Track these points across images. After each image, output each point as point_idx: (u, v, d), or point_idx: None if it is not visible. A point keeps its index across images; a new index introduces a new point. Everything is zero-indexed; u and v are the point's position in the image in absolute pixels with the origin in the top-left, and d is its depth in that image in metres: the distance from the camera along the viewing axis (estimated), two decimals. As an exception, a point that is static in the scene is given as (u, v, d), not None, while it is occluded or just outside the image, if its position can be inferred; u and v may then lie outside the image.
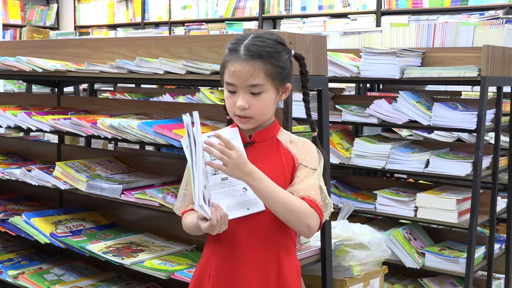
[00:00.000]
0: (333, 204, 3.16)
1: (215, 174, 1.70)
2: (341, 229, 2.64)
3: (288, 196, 1.67)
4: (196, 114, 1.61)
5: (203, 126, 2.41)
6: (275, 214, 1.68)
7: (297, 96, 2.56)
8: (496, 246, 3.35)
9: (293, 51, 1.79)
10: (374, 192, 3.48)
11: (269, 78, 1.68)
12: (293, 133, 1.88)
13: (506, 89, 3.52)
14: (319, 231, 2.37)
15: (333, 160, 3.51)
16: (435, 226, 3.57)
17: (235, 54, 1.68)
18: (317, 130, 1.87)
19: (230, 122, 1.86)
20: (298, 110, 2.29)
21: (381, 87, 4.42)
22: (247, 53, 1.66)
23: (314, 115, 2.37)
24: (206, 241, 1.81)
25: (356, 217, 3.58)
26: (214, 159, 1.65)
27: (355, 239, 2.61)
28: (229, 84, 1.69)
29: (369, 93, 4.37)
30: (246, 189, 1.69)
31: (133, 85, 4.90)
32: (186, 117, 1.59)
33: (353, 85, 4.55)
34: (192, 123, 1.59)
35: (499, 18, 5.03)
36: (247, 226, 1.72)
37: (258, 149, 1.75)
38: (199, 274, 1.82)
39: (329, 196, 1.78)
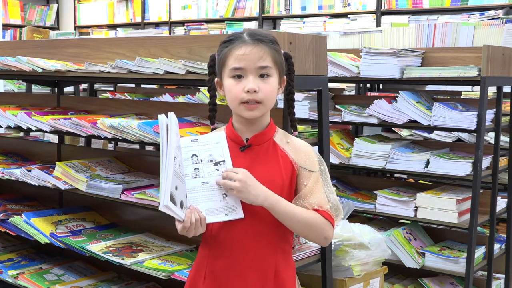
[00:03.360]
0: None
1: (195, 177, 1.69)
2: (341, 229, 2.64)
3: (304, 213, 1.69)
4: (172, 115, 1.62)
5: (203, 126, 2.41)
6: (291, 230, 1.72)
7: (297, 96, 2.57)
8: (496, 246, 3.35)
9: (282, 51, 1.78)
10: (374, 192, 3.47)
11: (274, 64, 1.69)
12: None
13: (506, 89, 3.52)
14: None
15: (333, 160, 3.51)
16: (435, 226, 3.57)
17: (239, 40, 1.68)
18: (297, 129, 1.87)
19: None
20: (298, 110, 2.29)
21: (381, 87, 4.42)
22: (253, 38, 1.68)
23: (314, 115, 2.38)
24: (201, 242, 1.80)
25: (356, 217, 3.58)
26: (198, 162, 1.67)
27: (355, 239, 2.61)
28: (237, 69, 1.67)
29: (369, 93, 4.37)
30: (226, 195, 1.69)
31: (133, 85, 4.91)
32: (161, 117, 1.60)
33: (353, 85, 4.55)
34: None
35: (499, 18, 5.03)
36: (244, 230, 1.71)
37: (255, 152, 1.74)
38: (194, 275, 1.81)
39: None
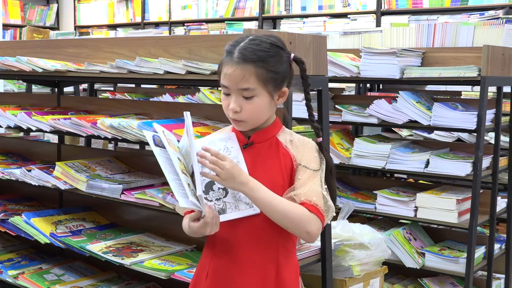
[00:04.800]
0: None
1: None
2: (341, 229, 2.64)
3: (286, 203, 1.66)
4: (188, 114, 1.66)
5: (203, 126, 2.41)
6: (274, 221, 1.68)
7: (297, 96, 2.56)
8: (496, 246, 3.35)
9: (292, 55, 1.74)
10: (374, 192, 3.47)
11: (260, 83, 1.66)
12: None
13: (506, 89, 3.52)
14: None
15: (333, 160, 3.49)
16: (435, 226, 3.57)
17: (229, 57, 1.68)
18: (321, 135, 1.81)
19: None
20: (298, 110, 2.29)
21: (381, 87, 4.42)
22: (240, 56, 1.65)
23: (314, 115, 2.38)
24: (206, 242, 1.81)
25: (356, 217, 3.58)
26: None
27: (355, 239, 2.61)
28: (224, 86, 1.70)
29: (369, 93, 4.37)
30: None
31: (133, 85, 4.91)
32: (186, 114, 1.66)
33: (353, 85, 4.55)
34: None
35: (499, 18, 5.03)
36: (245, 228, 1.72)
37: (257, 150, 1.74)
38: (198, 273, 1.82)
39: (335, 199, 1.76)
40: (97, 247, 2.56)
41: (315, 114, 1.88)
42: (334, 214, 1.76)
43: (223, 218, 1.70)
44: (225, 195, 1.71)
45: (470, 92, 4.52)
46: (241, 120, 1.70)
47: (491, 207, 3.28)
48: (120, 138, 2.44)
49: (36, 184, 2.76)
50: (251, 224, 1.71)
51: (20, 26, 7.57)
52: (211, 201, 1.69)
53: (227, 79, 1.67)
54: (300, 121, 3.28)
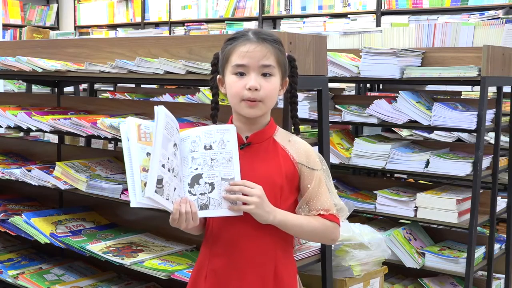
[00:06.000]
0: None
1: (196, 169, 1.69)
2: (341, 229, 2.63)
3: (311, 223, 1.73)
4: (162, 107, 1.65)
5: (203, 126, 2.41)
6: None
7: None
8: (496, 246, 3.35)
9: (286, 53, 1.78)
10: (374, 192, 3.47)
11: (277, 63, 1.69)
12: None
13: (506, 89, 3.52)
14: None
15: (333, 160, 3.51)
16: (435, 226, 3.57)
17: (243, 38, 1.68)
18: (299, 133, 1.86)
19: None
20: (298, 110, 2.28)
21: (381, 87, 4.42)
22: (258, 37, 1.68)
23: (314, 115, 2.38)
24: (203, 241, 1.81)
25: (356, 217, 3.58)
26: (194, 156, 1.68)
27: (355, 239, 2.61)
28: (240, 66, 1.67)
29: (369, 93, 4.37)
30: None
31: (133, 85, 4.91)
32: (157, 109, 1.65)
33: (353, 85, 4.55)
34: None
35: (499, 18, 5.04)
36: (244, 229, 1.71)
37: (254, 150, 1.73)
38: (196, 274, 1.81)
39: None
40: (97, 247, 2.56)
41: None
42: (348, 213, 1.84)
43: (203, 214, 1.68)
44: (211, 191, 1.68)
45: (470, 92, 4.52)
46: (259, 99, 1.67)
47: (491, 207, 3.28)
48: (120, 138, 2.44)
49: (36, 184, 2.76)
50: (248, 224, 1.70)
51: (20, 26, 7.57)
52: (195, 195, 1.67)
53: (248, 57, 1.66)
54: (300, 121, 3.27)
